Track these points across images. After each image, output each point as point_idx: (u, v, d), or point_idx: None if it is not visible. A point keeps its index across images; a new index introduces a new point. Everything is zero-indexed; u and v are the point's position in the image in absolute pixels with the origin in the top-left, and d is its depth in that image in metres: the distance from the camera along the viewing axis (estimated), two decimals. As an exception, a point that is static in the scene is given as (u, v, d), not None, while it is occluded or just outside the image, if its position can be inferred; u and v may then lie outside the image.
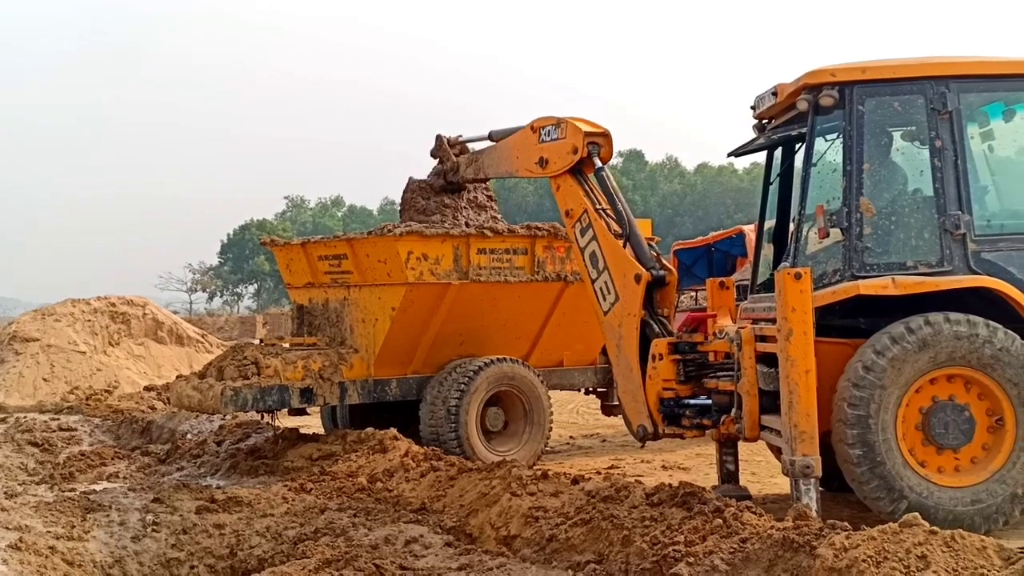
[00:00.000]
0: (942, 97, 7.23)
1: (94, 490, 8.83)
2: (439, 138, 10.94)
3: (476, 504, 7.05)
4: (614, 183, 8.69)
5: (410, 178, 11.22)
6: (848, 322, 7.20)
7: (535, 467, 8.68)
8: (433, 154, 11.02)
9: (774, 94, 7.84)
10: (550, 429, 10.89)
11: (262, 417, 11.04)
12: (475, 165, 10.42)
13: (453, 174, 10.71)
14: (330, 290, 10.93)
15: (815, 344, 6.51)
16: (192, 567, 6.44)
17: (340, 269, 10.72)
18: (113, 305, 21.59)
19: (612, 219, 8.51)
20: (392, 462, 8.65)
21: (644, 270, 8.04)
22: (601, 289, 8.38)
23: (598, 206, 8.58)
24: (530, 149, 9.23)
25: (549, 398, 10.84)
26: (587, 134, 8.66)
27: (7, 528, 6.78)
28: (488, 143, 10.38)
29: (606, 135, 8.77)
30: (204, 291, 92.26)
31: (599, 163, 8.68)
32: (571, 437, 13.26)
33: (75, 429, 13.19)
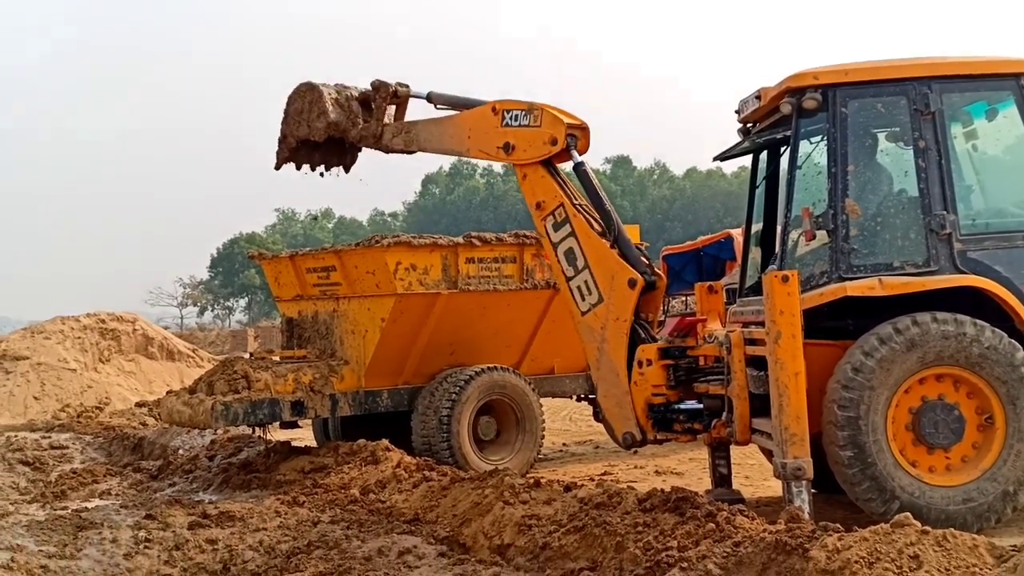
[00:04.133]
0: (925, 98, 7.26)
1: (86, 508, 8.80)
2: (384, 87, 9.51)
3: (469, 514, 7.04)
4: (597, 181, 8.48)
5: (310, 86, 9.69)
6: (836, 324, 7.22)
7: (528, 475, 8.67)
8: (373, 86, 9.57)
9: (757, 98, 7.86)
10: (542, 437, 10.89)
11: (253, 431, 11.03)
12: (407, 136, 9.37)
13: (375, 141, 9.56)
14: (319, 302, 10.93)
15: (804, 346, 6.53)
16: (185, 582, 6.42)
17: (329, 281, 10.72)
18: (103, 322, 21.55)
19: (591, 217, 8.28)
20: (384, 473, 8.64)
21: (639, 275, 7.95)
22: (579, 288, 8.12)
23: (575, 201, 8.35)
24: (490, 131, 8.66)
25: (541, 406, 10.84)
26: (568, 126, 8.34)
27: (-1, 548, 6.76)
28: (425, 108, 9.57)
29: (584, 128, 8.42)
30: (195, 305, 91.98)
31: (578, 157, 8.37)
32: (564, 444, 13.26)
33: (66, 447, 13.16)
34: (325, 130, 9.50)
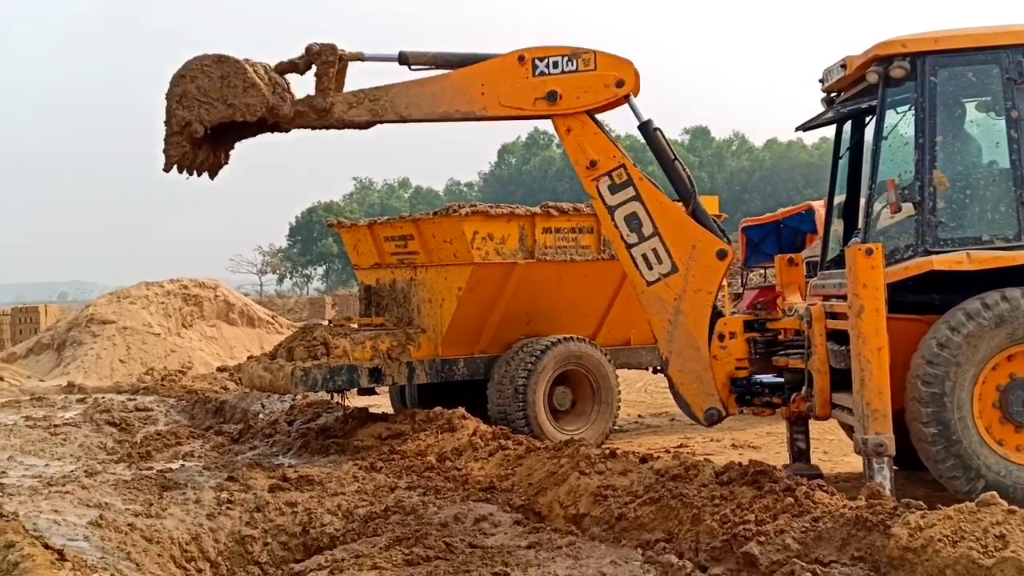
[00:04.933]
0: (1018, 66, 7.02)
1: (170, 469, 9.03)
2: (328, 50, 7.80)
3: (544, 483, 7.07)
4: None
5: (219, 58, 7.66)
6: (921, 298, 7.07)
7: (603, 446, 8.66)
8: (312, 50, 7.81)
9: (843, 67, 7.68)
10: (618, 408, 10.87)
11: (332, 397, 11.19)
12: (373, 104, 7.84)
13: (320, 116, 7.83)
14: (397, 271, 11.01)
15: (887, 321, 6.41)
16: (266, 544, 6.55)
17: (407, 250, 10.79)
18: (186, 288, 22.04)
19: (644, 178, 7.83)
20: (460, 441, 8.70)
21: (727, 246, 7.73)
22: (645, 256, 7.71)
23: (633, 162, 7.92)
24: (517, 82, 7.77)
25: (617, 377, 10.82)
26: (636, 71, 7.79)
27: (88, 505, 6.96)
28: (389, 73, 8.03)
29: (638, 73, 7.88)
30: (274, 273, 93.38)
31: (639, 108, 7.84)
32: (639, 416, 13.23)
33: (151, 409, 13.50)
34: (260, 106, 7.62)
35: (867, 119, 7.98)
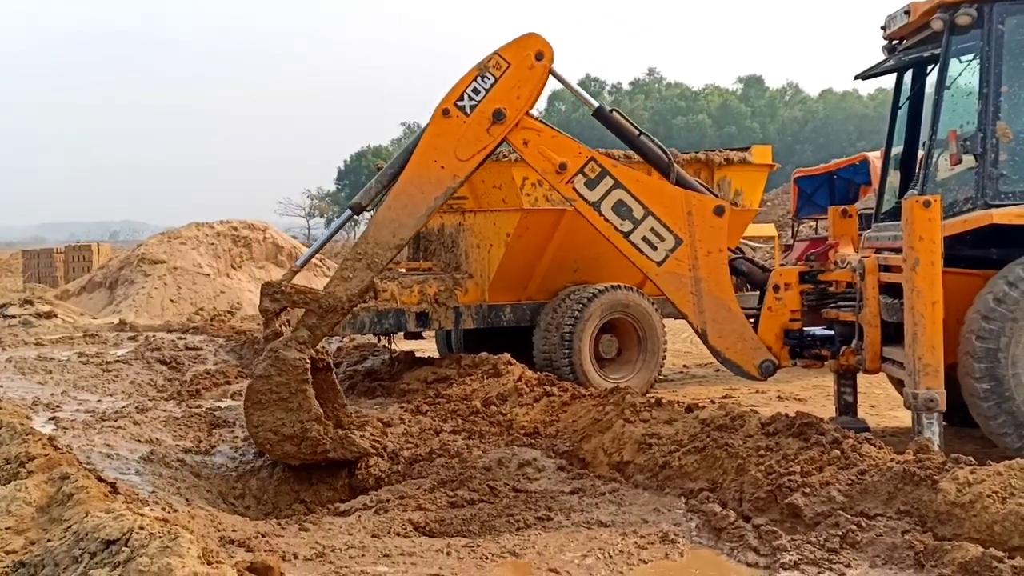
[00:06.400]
0: (1090, 15, 6.80)
1: (219, 407, 9.16)
2: (273, 285, 7.22)
3: (589, 430, 7.07)
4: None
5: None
6: (978, 252, 6.94)
7: (648, 395, 8.65)
8: (268, 313, 7.20)
9: (907, 13, 7.50)
10: (664, 357, 10.84)
11: (379, 340, 11.25)
12: (363, 261, 7.11)
13: (337, 311, 7.06)
14: (445, 216, 11.00)
15: (942, 275, 6.31)
16: (312, 483, 6.63)
17: (455, 195, 10.75)
18: (235, 229, 22.22)
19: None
20: (506, 387, 8.72)
21: (722, 201, 7.51)
22: (646, 239, 7.38)
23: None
24: (458, 133, 7.25)
25: (663, 326, 10.78)
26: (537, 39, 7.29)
27: (139, 441, 7.09)
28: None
29: (548, 42, 7.39)
30: (321, 216, 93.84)
31: (587, 96, 7.60)
32: (685, 366, 13.19)
33: (200, 348, 13.67)
34: (304, 375, 6.76)
35: (929, 68, 7.80)
